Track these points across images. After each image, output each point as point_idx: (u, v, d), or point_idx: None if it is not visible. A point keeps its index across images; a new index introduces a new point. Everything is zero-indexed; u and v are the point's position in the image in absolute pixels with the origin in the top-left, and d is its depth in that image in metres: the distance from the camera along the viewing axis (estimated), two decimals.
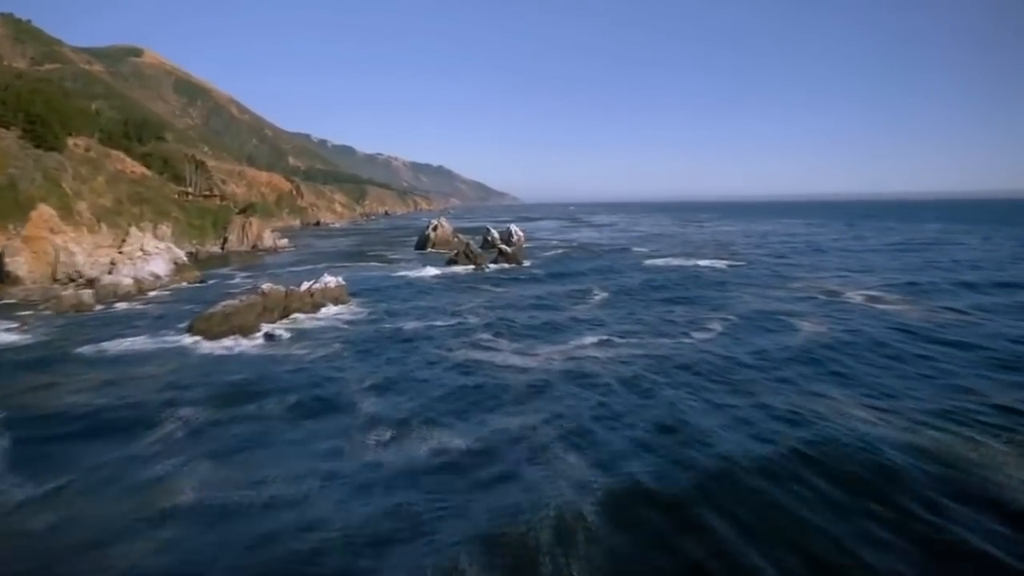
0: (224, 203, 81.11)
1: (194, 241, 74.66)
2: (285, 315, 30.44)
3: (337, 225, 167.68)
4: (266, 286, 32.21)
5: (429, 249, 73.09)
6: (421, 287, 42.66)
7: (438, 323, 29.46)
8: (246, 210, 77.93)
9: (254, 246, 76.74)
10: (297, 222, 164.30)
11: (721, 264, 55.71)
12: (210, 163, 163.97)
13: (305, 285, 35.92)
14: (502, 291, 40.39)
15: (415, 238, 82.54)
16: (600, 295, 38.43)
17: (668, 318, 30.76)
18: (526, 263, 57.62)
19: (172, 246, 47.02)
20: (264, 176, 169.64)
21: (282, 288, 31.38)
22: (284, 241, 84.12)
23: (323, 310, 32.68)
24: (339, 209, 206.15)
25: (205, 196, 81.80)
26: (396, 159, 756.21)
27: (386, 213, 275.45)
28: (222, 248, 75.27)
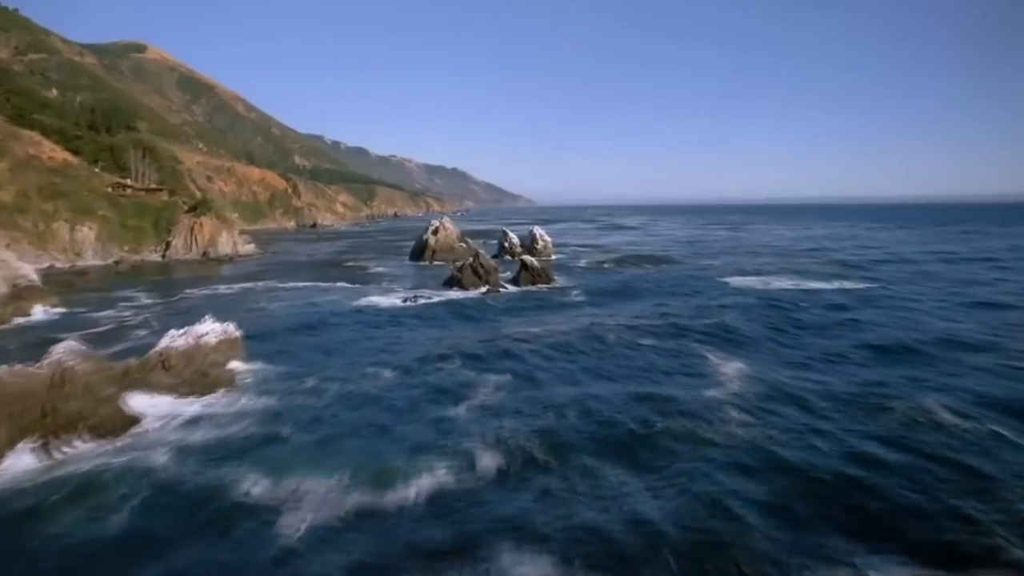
0: (172, 199, 64.60)
1: (126, 247, 58.09)
2: (45, 436, 13.04)
3: (336, 227, 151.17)
4: (61, 350, 15.03)
5: (427, 260, 55.60)
6: (391, 333, 25.05)
7: (389, 486, 11.69)
8: (197, 207, 61.28)
9: (205, 253, 59.91)
10: (291, 223, 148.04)
11: (851, 284, 37.63)
12: (196, 158, 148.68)
13: (165, 340, 18.75)
14: (534, 343, 22.59)
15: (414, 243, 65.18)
16: (719, 355, 20.53)
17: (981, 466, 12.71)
18: (559, 281, 39.99)
19: (12, 259, 30.03)
20: (256, 173, 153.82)
21: (45, 371, 13.93)
22: (250, 247, 67.29)
23: (159, 407, 15.25)
24: (341, 210, 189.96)
25: (149, 190, 65.26)
26: (410, 161, 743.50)
27: (395, 215, 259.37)
28: (163, 256, 58.62)
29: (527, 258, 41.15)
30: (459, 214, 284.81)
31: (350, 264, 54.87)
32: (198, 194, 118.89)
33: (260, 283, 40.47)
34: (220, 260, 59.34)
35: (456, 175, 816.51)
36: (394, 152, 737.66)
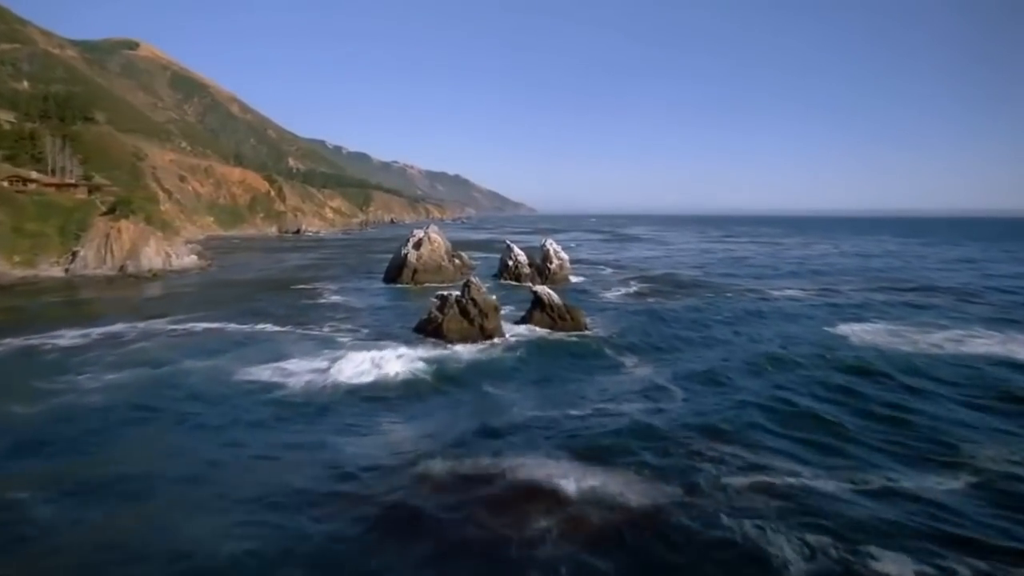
0: (90, 197, 51.26)
1: (16, 258, 44.61)
2: None
3: (321, 234, 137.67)
4: None
5: (406, 282, 42.11)
6: (265, 471, 11.43)
7: None
8: (116, 209, 47.87)
9: (122, 267, 46.44)
10: (273, 229, 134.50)
11: None
12: (169, 156, 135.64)
13: None
14: (587, 552, 9.00)
15: None
16: None
17: None
18: (591, 325, 26.50)
19: None
20: (236, 174, 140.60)
21: None
22: (190, 259, 53.82)
23: None
24: (330, 215, 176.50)
25: (60, 186, 51.93)
26: (412, 167, 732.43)
27: (392, 221, 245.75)
28: (67, 270, 45.17)
29: (542, 291, 27.58)
30: (459, 221, 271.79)
31: (302, 287, 41.33)
32: (161, 194, 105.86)
33: (144, 324, 26.96)
34: (141, 277, 45.89)
35: (459, 182, 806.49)
36: (396, 158, 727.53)
